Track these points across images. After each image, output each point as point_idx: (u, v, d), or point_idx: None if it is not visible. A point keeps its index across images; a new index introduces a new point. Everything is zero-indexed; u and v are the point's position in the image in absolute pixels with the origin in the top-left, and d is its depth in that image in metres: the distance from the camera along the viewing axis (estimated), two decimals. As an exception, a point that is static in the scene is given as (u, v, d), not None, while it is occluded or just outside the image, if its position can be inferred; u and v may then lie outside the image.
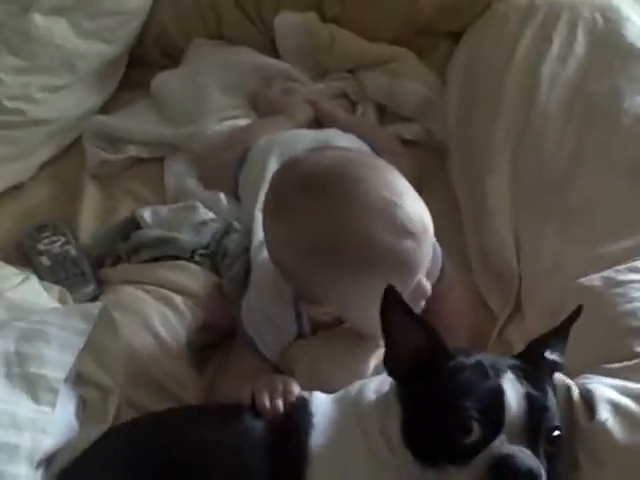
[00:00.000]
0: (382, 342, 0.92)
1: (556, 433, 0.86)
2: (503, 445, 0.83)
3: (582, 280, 1.12)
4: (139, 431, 0.97)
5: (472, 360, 0.88)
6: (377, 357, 1.09)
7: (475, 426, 0.83)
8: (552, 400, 0.88)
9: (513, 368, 0.88)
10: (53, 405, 0.87)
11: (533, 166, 1.32)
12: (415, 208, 1.04)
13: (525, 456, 0.82)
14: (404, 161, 1.48)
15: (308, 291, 1.07)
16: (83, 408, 0.97)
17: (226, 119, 1.56)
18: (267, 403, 0.96)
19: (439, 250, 1.19)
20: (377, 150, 1.43)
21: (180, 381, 1.13)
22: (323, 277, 1.03)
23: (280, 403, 0.96)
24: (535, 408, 0.85)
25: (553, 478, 0.86)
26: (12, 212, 1.46)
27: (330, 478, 0.89)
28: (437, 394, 0.87)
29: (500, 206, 1.31)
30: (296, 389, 0.99)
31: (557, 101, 1.35)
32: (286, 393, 0.98)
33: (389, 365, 0.91)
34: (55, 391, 0.88)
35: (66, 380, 0.94)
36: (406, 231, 1.01)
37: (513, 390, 0.85)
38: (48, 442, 0.85)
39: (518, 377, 0.86)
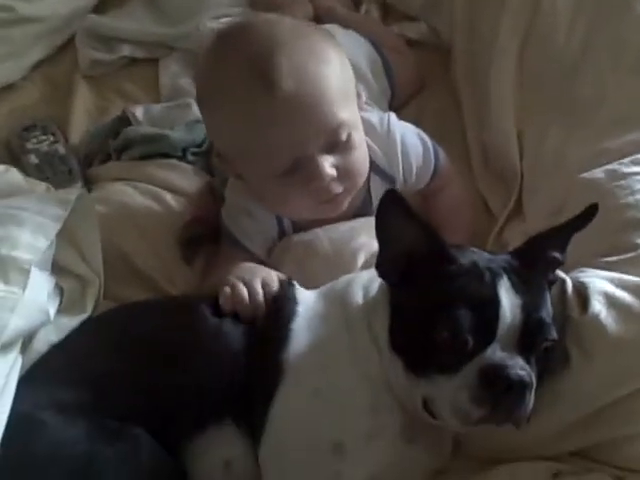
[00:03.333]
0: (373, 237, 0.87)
1: (550, 344, 0.82)
2: (495, 353, 0.79)
3: (584, 175, 1.06)
4: (117, 317, 0.96)
5: (468, 262, 0.83)
6: (366, 252, 1.05)
7: (467, 336, 0.79)
8: (548, 310, 0.84)
9: (509, 272, 0.82)
10: (23, 286, 0.85)
11: (541, 56, 1.25)
12: (302, 70, 0.97)
13: (516, 364, 0.79)
14: (407, 60, 1.44)
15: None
16: (61, 298, 0.95)
17: (223, 16, 1.50)
18: (245, 295, 0.93)
19: (430, 144, 1.15)
20: (379, 46, 1.38)
21: (167, 275, 1.11)
22: (205, 117, 1.09)
23: (260, 298, 0.93)
24: (530, 322, 0.81)
25: (544, 380, 0.83)
26: (2, 111, 1.42)
27: (310, 365, 0.86)
28: (430, 299, 0.82)
29: (504, 100, 1.25)
30: (275, 280, 0.96)
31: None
32: (266, 284, 0.94)
33: (382, 268, 0.86)
34: (26, 272, 0.86)
35: (43, 268, 0.93)
36: (266, 83, 0.96)
37: (509, 300, 0.80)
38: (16, 322, 0.82)
39: (514, 283, 0.81)
